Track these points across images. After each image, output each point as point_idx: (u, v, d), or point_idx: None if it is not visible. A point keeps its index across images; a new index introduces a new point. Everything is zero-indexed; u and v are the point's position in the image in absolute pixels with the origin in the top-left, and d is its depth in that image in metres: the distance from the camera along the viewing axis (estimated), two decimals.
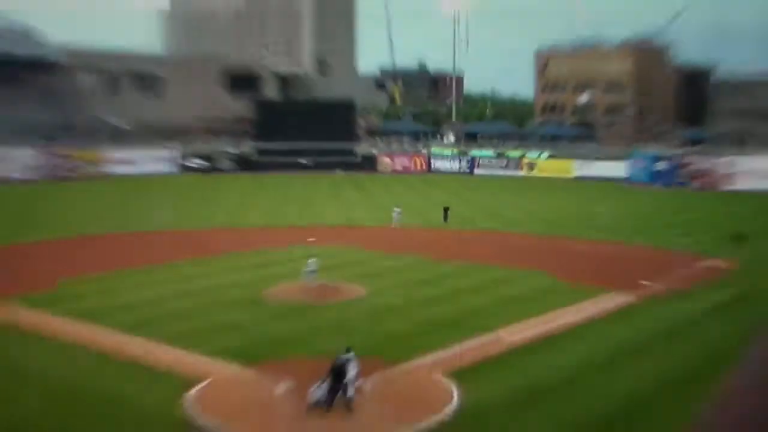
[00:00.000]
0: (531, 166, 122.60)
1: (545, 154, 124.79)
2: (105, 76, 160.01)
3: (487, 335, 34.88)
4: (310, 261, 43.49)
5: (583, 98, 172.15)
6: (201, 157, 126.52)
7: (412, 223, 70.76)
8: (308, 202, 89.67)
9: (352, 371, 27.35)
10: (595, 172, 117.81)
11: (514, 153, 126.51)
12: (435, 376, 29.89)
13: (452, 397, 27.77)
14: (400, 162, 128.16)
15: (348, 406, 26.19)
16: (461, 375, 29.52)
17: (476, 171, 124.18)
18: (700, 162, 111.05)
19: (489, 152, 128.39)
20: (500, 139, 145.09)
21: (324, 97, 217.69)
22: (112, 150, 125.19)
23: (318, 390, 26.59)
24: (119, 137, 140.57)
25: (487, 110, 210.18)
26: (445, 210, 72.42)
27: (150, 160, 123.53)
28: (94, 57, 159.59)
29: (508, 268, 50.45)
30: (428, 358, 31.83)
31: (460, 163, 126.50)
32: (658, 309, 40.03)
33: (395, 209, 71.90)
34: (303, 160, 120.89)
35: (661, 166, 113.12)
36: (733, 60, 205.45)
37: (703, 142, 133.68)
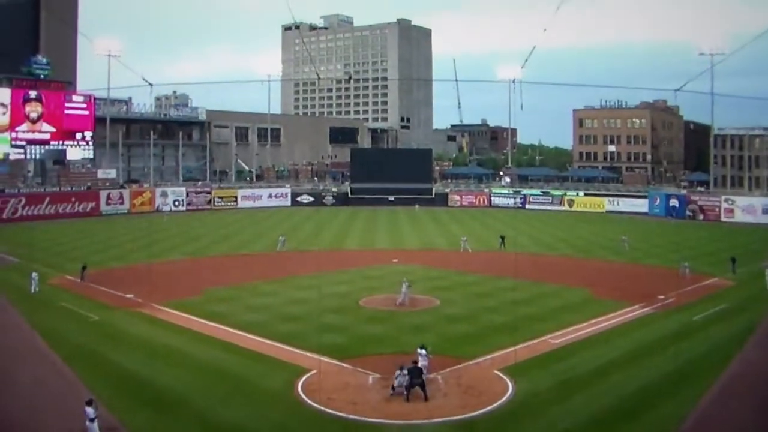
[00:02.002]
0: (570, 203, 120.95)
1: (582, 193, 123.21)
2: (237, 130, 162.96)
3: (537, 338, 34.82)
4: (404, 281, 43.56)
5: (611, 148, 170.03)
6: (309, 194, 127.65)
7: (476, 248, 70.57)
8: (393, 230, 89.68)
9: (425, 364, 27.67)
10: (622, 207, 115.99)
11: (557, 192, 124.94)
12: (494, 371, 29.91)
13: (508, 388, 27.79)
14: (467, 199, 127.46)
15: (424, 395, 26.41)
16: (516, 370, 29.50)
17: (527, 206, 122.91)
18: (704, 199, 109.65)
19: (537, 191, 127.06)
20: (546, 180, 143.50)
21: (406, 146, 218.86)
22: (240, 188, 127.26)
23: (399, 377, 26.90)
24: (246, 178, 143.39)
25: (536, 157, 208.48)
26: (502, 238, 71.75)
27: (269, 196, 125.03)
28: (229, 116, 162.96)
29: (552, 284, 50.14)
30: (489, 357, 31.87)
31: (514, 200, 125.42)
32: (671, 318, 39.57)
33: (462, 237, 71.63)
34: (390, 197, 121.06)
35: (673, 202, 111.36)
36: (730, 117, 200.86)
37: (707, 183, 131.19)
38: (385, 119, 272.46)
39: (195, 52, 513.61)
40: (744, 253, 62.48)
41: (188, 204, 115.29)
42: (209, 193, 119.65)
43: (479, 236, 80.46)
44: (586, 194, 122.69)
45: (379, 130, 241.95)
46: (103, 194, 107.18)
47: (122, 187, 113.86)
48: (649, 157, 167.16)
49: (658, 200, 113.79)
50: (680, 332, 36.10)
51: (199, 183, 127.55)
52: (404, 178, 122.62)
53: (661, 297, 44.67)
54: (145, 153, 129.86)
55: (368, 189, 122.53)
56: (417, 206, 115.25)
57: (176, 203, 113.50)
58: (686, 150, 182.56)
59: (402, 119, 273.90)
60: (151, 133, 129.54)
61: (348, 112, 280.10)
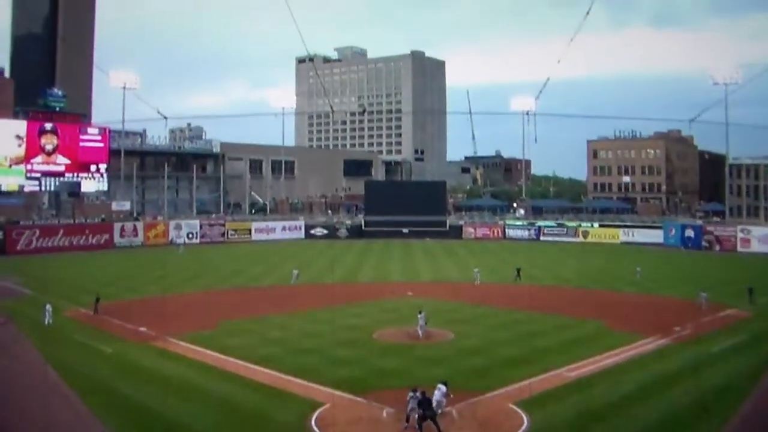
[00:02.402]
0: (585, 234, 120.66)
1: (596, 224, 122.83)
2: (251, 163, 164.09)
3: (552, 371, 34.57)
4: (420, 315, 43.35)
5: (625, 179, 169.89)
6: (323, 226, 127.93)
7: (490, 280, 70.32)
8: (407, 263, 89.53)
9: (439, 398, 27.52)
10: (637, 238, 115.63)
11: (572, 223, 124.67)
12: (510, 404, 29.72)
13: (523, 422, 27.60)
14: (481, 231, 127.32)
15: (437, 429, 26.22)
16: (531, 403, 29.33)
17: (542, 238, 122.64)
18: (720, 230, 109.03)
19: (552, 223, 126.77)
20: (560, 212, 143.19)
21: (420, 179, 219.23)
22: (254, 220, 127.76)
23: (411, 401, 26.83)
24: (260, 210, 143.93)
25: (550, 189, 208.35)
26: (517, 270, 71.63)
27: (283, 229, 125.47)
28: (243, 148, 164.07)
29: (567, 316, 49.87)
30: (504, 390, 31.68)
31: (528, 231, 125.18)
32: (687, 349, 39.30)
33: (475, 269, 71.48)
34: (404, 230, 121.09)
35: (688, 233, 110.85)
36: (745, 147, 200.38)
37: (722, 213, 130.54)
38: (399, 151, 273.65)
39: (210, 85, 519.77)
40: (762, 283, 61.99)
41: (202, 236, 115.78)
42: (223, 225, 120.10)
43: (494, 268, 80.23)
44: (600, 225, 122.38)
45: (393, 163, 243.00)
46: (117, 226, 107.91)
47: (136, 219, 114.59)
48: (663, 187, 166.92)
49: (674, 231, 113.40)
50: (698, 364, 35.79)
51: (213, 215, 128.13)
52: (418, 211, 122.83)
53: (677, 328, 44.42)
54: (160, 185, 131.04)
55: (382, 222, 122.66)
56: (427, 239, 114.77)
57: (190, 236, 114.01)
58: (701, 180, 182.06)
59: (416, 151, 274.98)
60: (166, 165, 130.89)
61: (362, 145, 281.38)
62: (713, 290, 56.98)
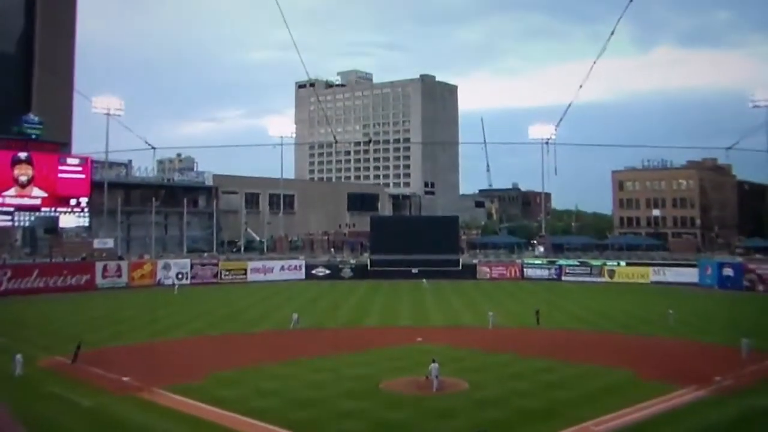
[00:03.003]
0: (611, 273, 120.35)
1: (623, 262, 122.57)
2: (247, 197, 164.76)
3: (575, 425, 34.11)
4: (433, 365, 42.86)
5: (655, 212, 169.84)
6: (325, 266, 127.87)
7: (507, 324, 69.92)
8: (417, 306, 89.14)
9: None
10: (669, 277, 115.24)
11: (597, 261, 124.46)
12: None
13: None
14: (497, 270, 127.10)
15: None
16: None
17: (563, 278, 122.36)
18: (764, 268, 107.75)
19: (574, 261, 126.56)
20: (584, 249, 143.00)
21: (431, 214, 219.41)
22: (250, 259, 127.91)
23: None
24: (257, 248, 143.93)
25: (572, 224, 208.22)
26: (537, 312, 71.37)
27: (281, 269, 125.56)
28: (238, 181, 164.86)
29: (592, 364, 49.37)
30: None
31: (549, 271, 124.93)
32: (728, 403, 38.60)
33: (489, 313, 71.08)
34: (413, 269, 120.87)
35: (727, 271, 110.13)
36: None
37: (766, 249, 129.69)
38: (407, 184, 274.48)
39: (202, 113, 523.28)
40: None
41: (193, 277, 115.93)
42: (216, 265, 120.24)
43: (511, 311, 79.98)
44: (628, 264, 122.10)
45: (401, 197, 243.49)
46: (99, 266, 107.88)
47: (120, 258, 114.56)
48: (698, 221, 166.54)
49: (710, 269, 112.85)
50: (740, 419, 35.28)
51: (205, 254, 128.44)
52: (429, 249, 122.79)
53: (717, 378, 43.79)
54: (146, 221, 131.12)
55: (389, 261, 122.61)
56: (425, 281, 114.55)
57: (180, 276, 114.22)
58: (741, 213, 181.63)
59: (426, 184, 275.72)
60: (153, 199, 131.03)
61: (367, 177, 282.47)
62: (757, 336, 56.20)
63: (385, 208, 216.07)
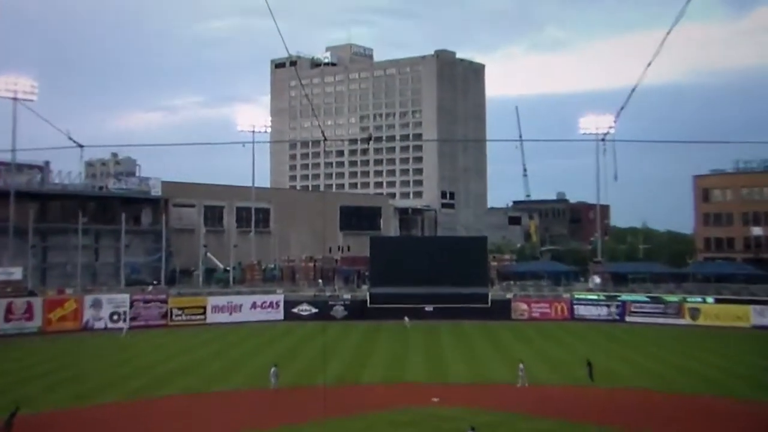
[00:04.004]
0: (694, 313, 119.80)
1: (711, 299, 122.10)
2: (207, 212, 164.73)
3: None
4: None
5: (755, 231, 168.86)
6: (310, 302, 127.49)
7: (549, 380, 70.00)
8: (431, 355, 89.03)
9: None
10: None
11: (673, 297, 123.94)
12: None
13: None
14: (538, 308, 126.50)
15: None
16: None
17: (627, 318, 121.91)
18: None
19: (642, 296, 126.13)
20: (654, 280, 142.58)
21: (450, 233, 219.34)
22: (211, 294, 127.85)
23: None
24: (220, 280, 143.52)
25: (639, 247, 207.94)
26: (588, 364, 70.76)
27: (253, 307, 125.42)
28: (195, 190, 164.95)
29: None
30: None
31: (608, 309, 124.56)
32: None
33: (519, 365, 70.68)
34: (426, 307, 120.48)
35: None
36: None
37: None
38: (419, 194, 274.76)
39: (147, 100, 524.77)
40: None
41: (133, 318, 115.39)
42: (164, 302, 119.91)
43: (555, 362, 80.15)
44: (718, 300, 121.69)
45: (410, 211, 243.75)
46: (1, 304, 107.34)
47: (32, 293, 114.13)
48: None
49: None
50: None
51: (150, 287, 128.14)
52: (447, 280, 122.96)
53: None
54: (70, 243, 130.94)
55: (395, 295, 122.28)
56: (406, 319, 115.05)
57: (115, 317, 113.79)
58: None
59: (443, 194, 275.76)
60: (80, 214, 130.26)
61: (366, 185, 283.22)
62: None
63: (390, 227, 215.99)
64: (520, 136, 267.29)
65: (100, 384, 70.06)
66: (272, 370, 69.31)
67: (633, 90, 33.71)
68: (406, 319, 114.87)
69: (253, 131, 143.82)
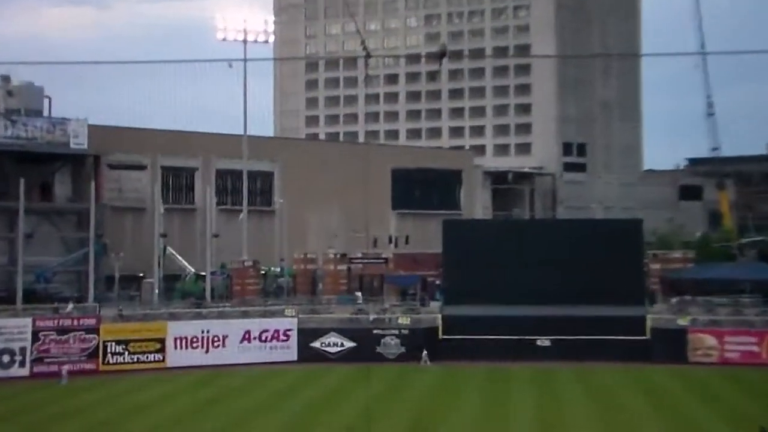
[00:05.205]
0: None
1: None
2: (165, 176, 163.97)
3: None
4: None
5: None
6: (341, 331, 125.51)
7: None
8: (546, 422, 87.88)
9: None
10: None
11: None
12: None
13: None
14: (735, 344, 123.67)
15: None
16: None
17: None
18: None
19: None
20: None
21: (576, 212, 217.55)
22: (173, 317, 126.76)
23: None
24: (189, 292, 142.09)
25: None
26: None
27: (245, 339, 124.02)
28: (147, 138, 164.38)
29: None
30: None
31: None
32: None
33: None
34: (539, 339, 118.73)
35: None
36: None
37: None
38: (524, 149, 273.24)
39: None
40: None
41: (37, 360, 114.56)
42: (94, 331, 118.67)
43: None
44: None
45: (510, 176, 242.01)
46: None
47: None
48: None
49: None
50: None
51: (70, 305, 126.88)
52: (575, 294, 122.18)
53: None
54: None
55: (484, 319, 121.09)
56: (425, 354, 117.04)
57: (5, 358, 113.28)
58: None
59: (567, 149, 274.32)
60: None
61: (436, 133, 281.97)
62: None
63: (477, 203, 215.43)
64: (702, 47, 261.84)
65: None
66: None
67: None
68: (425, 354, 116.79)
69: (245, 40, 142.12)
